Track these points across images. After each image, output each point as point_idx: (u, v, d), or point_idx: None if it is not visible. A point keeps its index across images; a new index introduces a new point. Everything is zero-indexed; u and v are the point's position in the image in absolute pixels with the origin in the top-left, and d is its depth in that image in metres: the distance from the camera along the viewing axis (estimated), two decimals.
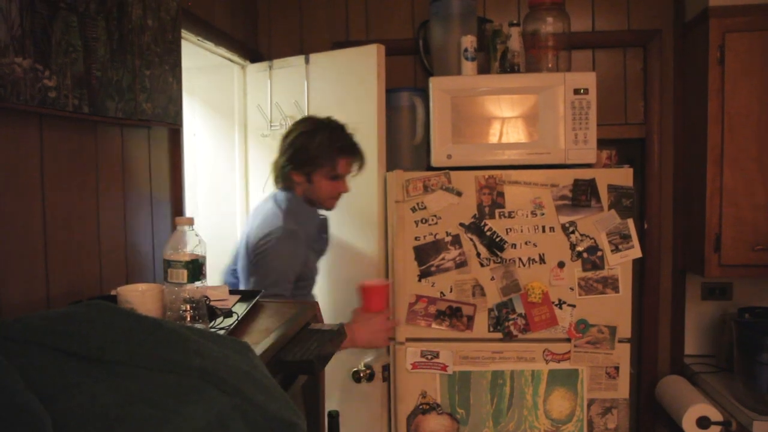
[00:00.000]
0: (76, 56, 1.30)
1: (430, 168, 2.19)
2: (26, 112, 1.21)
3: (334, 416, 1.69)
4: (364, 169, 2.19)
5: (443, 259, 2.11)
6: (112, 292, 1.31)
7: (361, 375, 2.23)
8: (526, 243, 2.09)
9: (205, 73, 2.50)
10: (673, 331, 2.65)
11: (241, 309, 1.48)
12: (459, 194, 2.10)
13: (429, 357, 2.12)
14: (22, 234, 1.22)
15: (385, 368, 2.20)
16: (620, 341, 2.08)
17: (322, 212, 2.12)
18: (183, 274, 1.21)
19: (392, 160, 2.32)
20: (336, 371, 2.18)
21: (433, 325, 2.12)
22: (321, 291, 2.31)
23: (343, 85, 2.28)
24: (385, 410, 2.22)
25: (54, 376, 0.84)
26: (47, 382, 0.82)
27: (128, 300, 1.23)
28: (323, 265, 2.37)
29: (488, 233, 2.10)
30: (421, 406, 2.13)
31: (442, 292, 2.11)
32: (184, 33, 1.92)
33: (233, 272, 2.06)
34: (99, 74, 1.38)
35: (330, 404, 1.76)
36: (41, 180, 1.27)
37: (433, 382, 2.13)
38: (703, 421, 2.22)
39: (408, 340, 2.13)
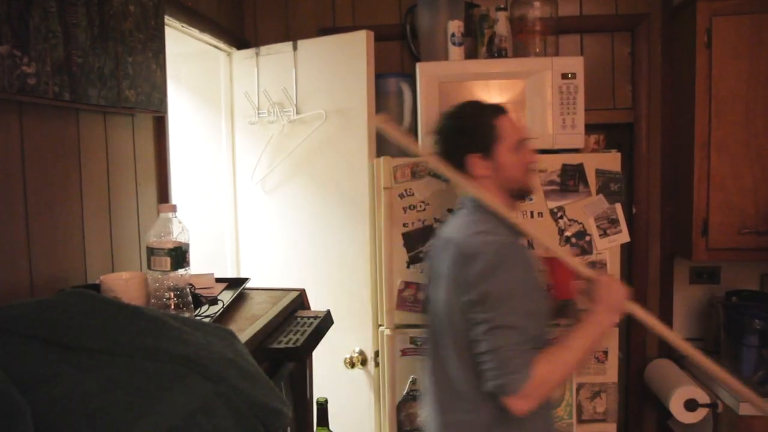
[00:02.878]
0: (55, 42, 1.28)
1: None
2: (5, 99, 1.19)
3: (322, 403, 1.69)
4: (354, 156, 2.19)
5: (432, 245, 2.10)
6: (97, 281, 1.30)
7: (354, 361, 2.24)
8: None
9: (191, 60, 2.47)
10: (662, 315, 2.66)
11: (227, 297, 1.48)
12: (447, 180, 2.09)
13: (419, 343, 2.13)
14: (4, 222, 1.21)
15: (377, 354, 2.21)
16: None
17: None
18: (166, 261, 1.20)
19: (380, 146, 2.31)
20: (326, 358, 2.18)
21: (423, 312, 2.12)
22: (309, 277, 2.31)
23: (332, 72, 2.27)
24: (375, 397, 2.23)
25: (35, 365, 0.83)
26: (29, 370, 0.82)
27: (112, 288, 1.22)
28: (313, 253, 2.36)
29: None
30: (411, 393, 2.14)
31: None
32: (168, 19, 1.90)
33: None
34: (80, 61, 1.36)
35: (319, 391, 1.77)
36: (22, 168, 1.26)
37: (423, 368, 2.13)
38: (690, 404, 2.25)
39: (397, 326, 2.13)
